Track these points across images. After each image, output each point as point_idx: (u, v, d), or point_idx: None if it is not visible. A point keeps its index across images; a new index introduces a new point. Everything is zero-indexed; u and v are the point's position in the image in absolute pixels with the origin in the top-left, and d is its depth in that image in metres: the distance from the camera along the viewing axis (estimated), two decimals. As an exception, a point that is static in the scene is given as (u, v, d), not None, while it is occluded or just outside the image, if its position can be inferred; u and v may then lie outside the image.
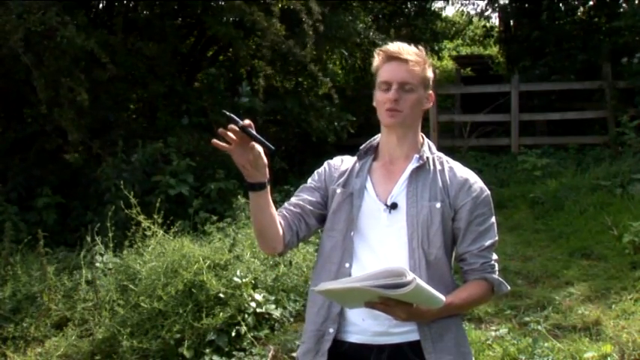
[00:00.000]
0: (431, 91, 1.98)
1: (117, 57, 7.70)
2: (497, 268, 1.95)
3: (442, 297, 1.76)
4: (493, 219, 1.96)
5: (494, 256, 1.95)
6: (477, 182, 1.95)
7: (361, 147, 2.06)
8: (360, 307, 1.80)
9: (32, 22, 6.33)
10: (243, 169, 1.81)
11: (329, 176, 2.04)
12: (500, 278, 1.94)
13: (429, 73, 1.96)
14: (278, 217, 1.93)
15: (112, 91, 8.13)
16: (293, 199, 2.03)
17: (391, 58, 1.93)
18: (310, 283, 2.08)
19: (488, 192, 1.97)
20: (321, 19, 7.53)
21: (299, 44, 7.61)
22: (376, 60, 1.97)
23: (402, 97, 1.90)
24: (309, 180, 2.08)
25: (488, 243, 1.92)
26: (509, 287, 1.98)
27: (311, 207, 2.00)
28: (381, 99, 1.93)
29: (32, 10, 6.44)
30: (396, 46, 1.94)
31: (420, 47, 1.96)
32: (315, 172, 2.09)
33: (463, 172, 1.97)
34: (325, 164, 2.09)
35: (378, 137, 2.05)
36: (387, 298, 1.70)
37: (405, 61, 1.91)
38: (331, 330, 1.93)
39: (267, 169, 1.83)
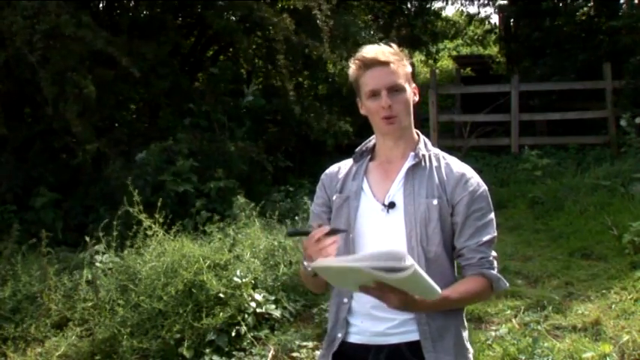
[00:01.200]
0: (414, 84, 1.97)
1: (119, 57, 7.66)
2: (496, 264, 1.92)
3: (439, 289, 1.70)
4: (492, 215, 1.94)
5: (493, 252, 1.93)
6: (473, 177, 1.94)
7: (357, 149, 2.05)
8: (355, 290, 1.76)
9: (47, 22, 6.36)
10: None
11: (329, 187, 2.04)
12: (499, 274, 1.91)
13: (409, 68, 1.95)
14: None
15: (115, 91, 8.14)
16: None
17: (370, 64, 1.90)
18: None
19: (486, 187, 1.95)
20: (329, 14, 7.57)
21: (312, 38, 7.64)
22: (352, 69, 1.94)
23: (393, 100, 1.88)
24: (314, 205, 2.08)
25: (486, 238, 1.90)
26: (507, 284, 1.95)
27: None
28: (373, 108, 1.91)
29: (43, 12, 6.47)
30: (371, 51, 1.91)
31: (393, 44, 1.94)
32: (317, 188, 2.08)
33: (459, 167, 1.96)
34: (322, 177, 2.08)
35: (373, 138, 2.04)
36: (381, 283, 1.64)
37: (386, 63, 1.89)
38: (339, 335, 1.95)
39: None
